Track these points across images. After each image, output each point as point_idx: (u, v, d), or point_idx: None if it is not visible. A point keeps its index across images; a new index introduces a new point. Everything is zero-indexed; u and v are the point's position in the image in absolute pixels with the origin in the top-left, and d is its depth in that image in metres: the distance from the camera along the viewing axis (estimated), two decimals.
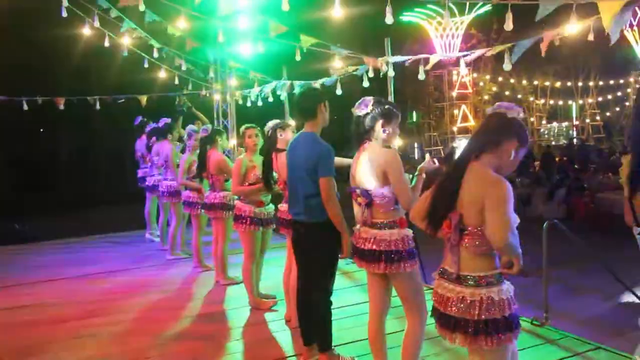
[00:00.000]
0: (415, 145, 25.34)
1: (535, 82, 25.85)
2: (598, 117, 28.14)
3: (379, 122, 3.36)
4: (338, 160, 3.97)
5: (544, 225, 4.99)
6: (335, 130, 4.20)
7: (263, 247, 5.44)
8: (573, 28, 5.21)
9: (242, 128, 5.39)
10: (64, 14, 7.69)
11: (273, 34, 7.14)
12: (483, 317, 2.33)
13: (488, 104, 21.50)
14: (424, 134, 24.89)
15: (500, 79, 24.18)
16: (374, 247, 3.28)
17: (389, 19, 5.71)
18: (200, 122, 8.61)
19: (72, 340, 4.87)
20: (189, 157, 6.75)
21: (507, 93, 24.67)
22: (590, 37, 5.41)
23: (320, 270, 3.90)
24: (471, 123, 22.04)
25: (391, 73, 7.21)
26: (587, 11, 5.19)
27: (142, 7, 7.22)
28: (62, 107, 9.67)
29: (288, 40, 7.54)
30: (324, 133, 3.98)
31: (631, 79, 25.59)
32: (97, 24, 8.09)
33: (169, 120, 8.07)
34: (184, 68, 9.79)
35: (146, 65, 9.71)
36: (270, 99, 9.77)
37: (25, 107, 9.37)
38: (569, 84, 26.42)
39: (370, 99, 3.41)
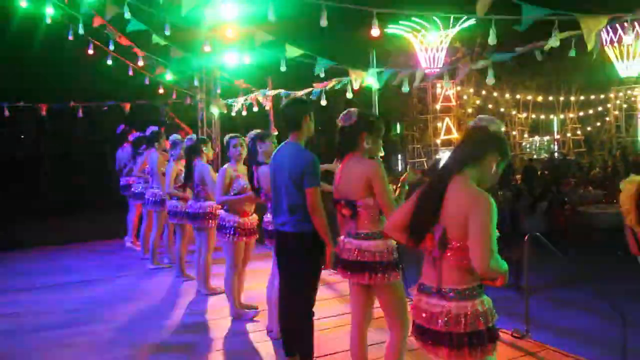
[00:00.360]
0: (399, 157, 25.43)
1: (518, 96, 26.12)
2: (579, 132, 28.50)
3: (363, 134, 3.38)
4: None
5: (526, 238, 5.03)
6: (319, 141, 4.21)
7: (246, 257, 5.43)
8: (555, 42, 5.29)
9: (226, 138, 5.38)
10: (48, 21, 7.66)
11: (258, 44, 7.16)
12: (469, 329, 2.34)
13: (471, 117, 21.67)
14: (408, 145, 24.99)
15: (483, 92, 24.40)
16: (359, 257, 3.29)
17: (374, 32, 5.76)
18: (184, 131, 8.59)
19: (51, 350, 4.80)
20: (175, 167, 6.71)
21: (490, 106, 24.88)
22: (572, 53, 5.50)
23: (304, 280, 3.89)
24: (454, 136, 22.19)
25: (376, 85, 7.26)
26: (570, 27, 5.28)
27: (127, 15, 7.21)
28: (44, 113, 9.59)
29: (274, 50, 7.56)
30: (309, 144, 3.99)
31: (611, 95, 25.98)
32: (81, 30, 8.05)
33: (156, 128, 8.04)
34: (168, 77, 9.77)
35: (131, 73, 9.67)
36: (255, 109, 9.78)
37: (7, 113, 9.28)
38: (550, 98, 26.73)
39: (354, 111, 3.43)
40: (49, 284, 7.08)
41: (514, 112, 27.02)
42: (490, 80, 6.29)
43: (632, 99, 25.41)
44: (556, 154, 23.87)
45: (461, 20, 19.76)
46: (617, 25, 5.08)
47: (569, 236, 10.85)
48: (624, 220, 1.91)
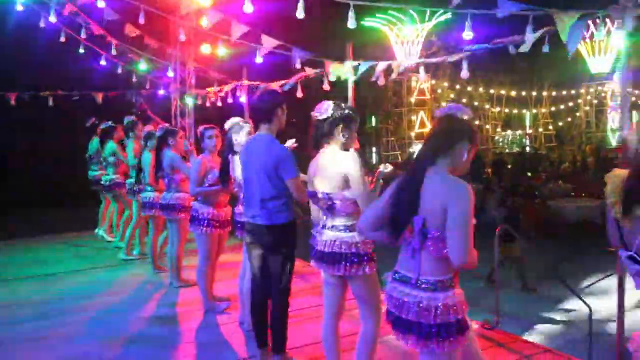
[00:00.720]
0: (373, 149, 25.53)
1: (492, 91, 26.39)
2: (550, 127, 28.93)
3: (339, 127, 3.38)
4: None
5: (496, 231, 5.10)
6: (294, 133, 4.20)
7: (219, 249, 5.41)
8: (529, 38, 5.35)
9: (201, 129, 5.34)
10: (19, 8, 7.50)
11: (234, 34, 7.11)
12: (438, 320, 2.37)
13: None
14: (382, 138, 25.11)
15: (458, 86, 24.59)
16: (335, 249, 3.30)
17: (351, 24, 5.76)
18: (155, 122, 8.51)
19: (23, 343, 4.75)
20: (152, 157, 6.62)
21: (464, 100, 25.09)
22: (545, 49, 5.58)
23: (279, 272, 3.90)
24: (429, 129, 22.35)
25: (352, 78, 7.27)
26: (544, 23, 5.35)
27: (101, 4, 7.10)
28: (13, 102, 9.41)
29: (249, 41, 7.52)
30: (284, 136, 3.99)
31: (582, 91, 26.41)
32: (53, 19, 7.90)
33: (132, 118, 7.95)
34: (142, 67, 9.65)
35: (103, 63, 9.53)
36: (230, 100, 9.72)
37: None
38: (523, 93, 27.07)
39: (330, 103, 3.43)
40: (21, 276, 6.99)
41: (487, 106, 27.31)
42: (464, 74, 6.35)
43: (602, 95, 25.86)
44: (528, 148, 24.20)
45: (437, 14, 19.86)
46: (589, 21, 5.15)
47: (539, 229, 11.04)
48: (607, 212, 1.94)
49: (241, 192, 4.51)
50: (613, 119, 23.86)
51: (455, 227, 2.33)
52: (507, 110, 27.97)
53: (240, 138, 4.66)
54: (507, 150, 25.39)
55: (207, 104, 10.29)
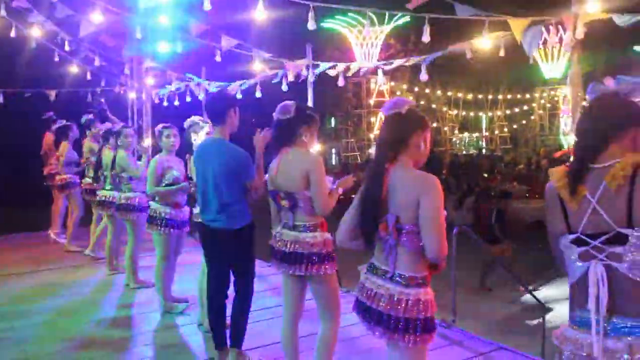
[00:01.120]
0: (333, 150, 25.64)
1: (449, 94, 26.83)
2: (506, 129, 29.59)
3: (302, 127, 3.38)
4: None
5: (454, 231, 5.18)
6: (252, 134, 4.17)
7: (177, 250, 5.34)
8: (486, 42, 5.47)
9: (159, 127, 5.27)
10: None
11: (193, 32, 7.04)
12: (407, 315, 2.39)
13: None
14: (342, 139, 25.25)
15: (416, 89, 24.92)
16: (296, 249, 3.30)
17: (311, 25, 5.77)
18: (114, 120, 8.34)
19: None
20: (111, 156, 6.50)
21: (422, 102, 25.44)
22: (502, 53, 5.70)
23: (241, 273, 3.90)
24: (379, 129, 22.58)
25: (311, 78, 7.29)
26: (501, 27, 5.47)
27: None
28: None
29: (209, 40, 7.45)
30: (242, 137, 3.97)
31: (536, 95, 27.10)
32: (3, 12, 7.65)
33: (90, 116, 7.78)
34: (97, 64, 9.44)
35: (57, 59, 9.29)
36: (188, 99, 9.61)
37: None
38: (480, 96, 27.61)
39: (292, 104, 3.42)
40: None
41: (445, 109, 27.76)
42: (423, 76, 6.45)
43: (555, 99, 26.59)
44: (484, 150, 24.69)
45: (395, 17, 20.08)
46: (542, 27, 5.30)
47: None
48: (549, 199, 2.02)
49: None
50: (565, 122, 24.54)
51: (429, 221, 2.37)
52: (464, 112, 28.48)
53: (199, 137, 4.61)
54: (464, 152, 25.84)
55: (165, 103, 10.15)
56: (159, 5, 7.55)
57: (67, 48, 8.78)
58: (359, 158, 23.90)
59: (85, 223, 8.02)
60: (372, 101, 23.40)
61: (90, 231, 7.71)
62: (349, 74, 7.11)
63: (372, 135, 23.31)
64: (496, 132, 29.51)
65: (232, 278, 3.96)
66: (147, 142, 9.58)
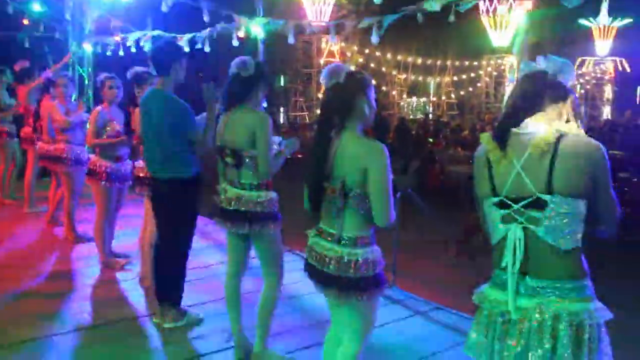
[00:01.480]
0: (281, 109, 25.46)
1: (399, 57, 26.90)
2: (453, 95, 30.03)
3: (259, 85, 3.32)
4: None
5: (398, 194, 5.25)
6: (199, 87, 4.08)
7: (118, 204, 5.23)
8: (436, 6, 5.47)
9: (101, 77, 5.08)
10: None
11: None
12: (358, 274, 2.46)
13: None
14: (291, 98, 25.07)
15: (367, 50, 24.85)
16: (241, 207, 3.27)
17: None
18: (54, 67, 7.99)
19: None
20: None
21: (372, 65, 25.45)
22: (451, 18, 5.72)
23: (179, 226, 3.86)
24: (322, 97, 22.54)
25: (261, 35, 7.16)
26: None
27: None
28: None
29: None
30: (189, 92, 3.89)
31: (483, 62, 27.51)
32: None
33: (26, 63, 7.40)
34: (35, 7, 8.97)
35: None
36: (133, 50, 9.28)
37: None
38: (429, 61, 27.81)
39: (251, 60, 3.32)
40: None
41: (394, 73, 27.85)
42: (374, 39, 6.42)
43: (502, 67, 27.07)
44: (431, 116, 25.03)
45: None
46: None
47: (439, 193, 11.51)
48: (476, 163, 2.13)
49: (141, 144, 4.37)
50: (510, 91, 25.09)
51: (377, 190, 2.42)
52: (412, 77, 28.66)
53: (143, 90, 4.48)
54: (411, 117, 26.13)
55: (108, 53, 9.78)
56: None
57: None
58: (307, 118, 23.83)
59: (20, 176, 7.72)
60: (322, 61, 23.22)
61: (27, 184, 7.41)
62: (308, 30, 7.01)
63: (320, 95, 23.23)
64: (443, 97, 29.91)
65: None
66: (89, 92, 9.27)
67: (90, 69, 9.91)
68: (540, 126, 1.95)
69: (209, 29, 7.87)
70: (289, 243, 5.48)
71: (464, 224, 7.44)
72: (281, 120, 24.30)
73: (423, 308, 4.53)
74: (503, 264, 1.97)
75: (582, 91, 26.64)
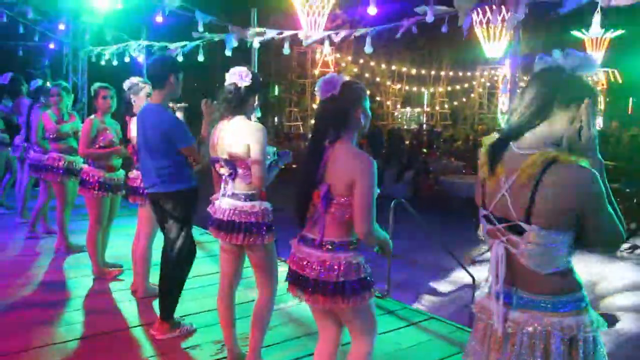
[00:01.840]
0: (276, 119, 25.46)
1: (393, 67, 26.98)
2: (446, 105, 30.12)
3: (255, 96, 3.33)
4: None
5: (392, 203, 5.26)
6: (196, 99, 4.08)
7: (111, 214, 5.20)
8: (430, 18, 5.51)
9: (95, 87, 5.07)
10: None
11: None
12: (341, 279, 2.44)
13: None
14: (285, 108, 25.08)
15: (361, 61, 24.91)
16: (235, 218, 3.26)
17: None
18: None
19: None
20: (41, 116, 6.20)
21: (367, 75, 25.51)
22: (444, 29, 5.76)
23: (175, 238, 3.85)
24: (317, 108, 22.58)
25: (256, 45, 7.17)
26: (446, 4, 5.52)
27: None
28: None
29: None
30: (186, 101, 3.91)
31: (477, 73, 27.65)
32: None
33: (11, 74, 7.36)
34: (30, 16, 8.95)
35: None
36: (127, 59, 9.29)
37: None
38: (423, 72, 27.91)
39: (248, 70, 3.33)
40: None
41: (388, 83, 27.92)
42: (368, 48, 6.45)
43: (495, 78, 27.20)
44: (424, 126, 25.09)
45: None
46: (487, 7, 5.39)
47: (432, 203, 11.52)
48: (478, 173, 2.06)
49: (135, 155, 4.38)
50: (503, 102, 25.20)
51: (361, 201, 2.40)
52: (407, 87, 28.75)
53: (139, 99, 4.49)
54: (405, 127, 26.18)
55: (102, 63, 9.78)
56: None
57: None
58: (301, 128, 23.85)
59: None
60: (316, 71, 23.27)
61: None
62: (306, 43, 7.03)
63: (315, 106, 23.26)
64: (437, 107, 29.99)
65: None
66: (82, 101, 9.25)
67: (84, 78, 9.89)
68: (534, 145, 1.84)
69: (202, 39, 7.89)
70: (283, 254, 5.47)
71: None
72: (275, 131, 24.31)
73: (417, 318, 4.52)
74: (489, 278, 1.97)
75: None
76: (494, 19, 5.56)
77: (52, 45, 10.22)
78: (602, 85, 27.06)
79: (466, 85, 28.64)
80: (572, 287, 1.88)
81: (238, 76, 3.29)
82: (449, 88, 29.19)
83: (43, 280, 5.17)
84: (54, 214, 6.29)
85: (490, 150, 1.95)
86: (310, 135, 2.71)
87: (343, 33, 7.14)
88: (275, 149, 3.47)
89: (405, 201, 5.43)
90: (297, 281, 2.58)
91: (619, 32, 18.76)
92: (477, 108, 28.41)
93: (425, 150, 16.04)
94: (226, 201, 3.32)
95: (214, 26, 7.81)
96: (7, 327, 4.10)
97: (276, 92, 25.05)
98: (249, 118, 3.35)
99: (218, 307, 3.55)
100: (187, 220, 3.88)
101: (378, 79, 26.62)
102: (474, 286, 5.19)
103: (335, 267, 2.46)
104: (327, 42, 7.58)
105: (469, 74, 27.88)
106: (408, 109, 30.20)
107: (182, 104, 4.39)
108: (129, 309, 4.52)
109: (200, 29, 7.48)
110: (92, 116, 5.02)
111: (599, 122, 27.62)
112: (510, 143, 1.90)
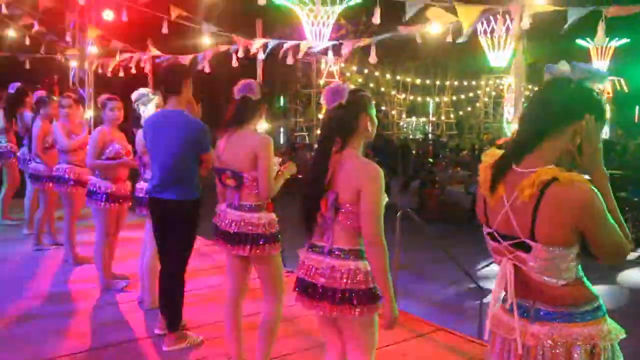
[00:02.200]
0: (281, 129, 25.52)
1: (398, 77, 27.01)
2: (452, 115, 30.12)
3: (264, 107, 3.36)
4: None
5: (398, 213, 5.25)
6: (203, 108, 4.11)
7: (118, 225, 5.21)
8: (434, 27, 5.52)
9: (103, 99, 5.08)
10: None
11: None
12: (349, 286, 2.42)
13: None
14: (290, 119, 25.14)
15: (366, 71, 24.96)
16: (241, 229, 3.26)
17: (261, 0, 5.68)
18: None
19: None
20: (42, 126, 6.23)
21: (371, 85, 25.55)
22: (449, 38, 5.77)
23: (181, 245, 3.85)
24: (323, 117, 22.62)
25: (262, 56, 7.20)
26: (450, 13, 5.53)
27: None
28: None
29: (156, 11, 7.24)
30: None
31: (482, 82, 27.66)
32: None
33: (18, 84, 7.41)
34: (36, 28, 9.02)
35: None
36: (133, 70, 9.34)
37: None
38: (427, 81, 27.94)
39: (256, 83, 3.36)
40: None
41: (393, 93, 27.95)
42: (372, 59, 6.47)
43: (500, 87, 27.20)
44: (430, 135, 25.08)
45: None
46: (490, 16, 5.41)
47: (438, 213, 11.50)
48: (478, 188, 2.05)
49: (142, 167, 4.38)
50: (508, 111, 25.17)
51: (368, 209, 2.40)
52: (411, 97, 28.76)
53: (147, 110, 4.49)
54: (411, 137, 26.19)
55: (109, 74, 9.83)
56: None
57: (4, 10, 8.37)
58: (307, 138, 23.88)
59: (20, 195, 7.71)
60: (321, 81, 23.31)
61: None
62: (300, 54, 7.06)
63: (320, 116, 23.30)
64: (442, 117, 29.98)
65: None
66: (89, 113, 9.29)
67: (91, 90, 9.94)
68: (535, 164, 1.84)
69: (210, 50, 7.92)
70: (290, 264, 5.46)
71: None
72: (281, 141, 24.35)
73: (425, 330, 4.49)
74: (502, 295, 1.96)
75: None
76: (499, 28, 5.57)
77: (58, 57, 10.29)
78: (608, 93, 27.02)
79: (471, 94, 28.64)
80: (588, 297, 1.88)
81: (248, 89, 3.32)
82: (454, 97, 29.19)
83: (51, 292, 5.18)
84: (61, 226, 6.32)
85: (493, 170, 1.95)
86: (316, 144, 2.72)
87: (347, 43, 7.16)
88: (280, 159, 3.48)
89: (412, 211, 5.42)
90: (305, 289, 2.56)
91: (624, 40, 18.76)
92: (482, 117, 28.40)
93: (431, 160, 16.04)
94: (232, 212, 3.33)
95: (219, 37, 7.84)
96: (16, 339, 4.10)
97: (281, 103, 25.12)
98: (256, 129, 3.37)
99: (225, 319, 3.54)
100: (193, 230, 3.89)
101: (383, 89, 26.65)
102: (481, 297, 5.17)
103: (344, 274, 2.44)
104: (330, 52, 7.61)
105: (473, 83, 27.89)
106: (413, 118, 30.22)
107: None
108: (136, 320, 4.52)
109: (206, 40, 7.52)
110: (100, 128, 5.04)
111: (606, 131, 27.59)
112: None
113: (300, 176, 3.51)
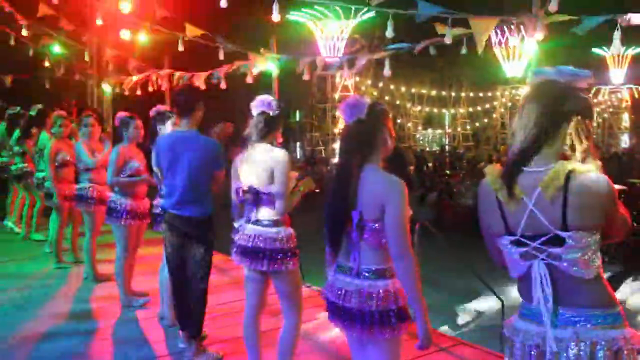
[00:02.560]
0: (297, 144, 25.62)
1: (413, 90, 27.02)
2: (468, 126, 30.02)
3: (280, 123, 3.40)
4: None
5: (416, 226, 5.22)
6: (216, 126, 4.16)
7: (137, 242, 5.24)
8: (448, 39, 5.52)
9: (123, 117, 5.12)
10: None
11: (159, 19, 6.92)
12: (380, 308, 2.41)
13: None
14: (306, 133, 25.24)
15: (380, 84, 25.02)
16: (259, 244, 3.27)
17: (275, 17, 5.73)
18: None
19: None
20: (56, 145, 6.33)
21: (387, 98, 25.59)
22: (464, 51, 5.77)
23: (199, 262, 3.88)
24: (342, 132, 22.68)
25: (276, 72, 7.25)
26: (463, 25, 5.53)
27: None
28: None
29: (172, 29, 7.34)
30: (207, 129, 3.98)
31: (498, 93, 27.56)
32: None
33: (39, 106, 7.54)
34: (56, 50, 9.20)
35: (12, 43, 9.00)
36: (151, 89, 9.45)
37: None
38: (443, 93, 27.91)
39: (272, 99, 3.39)
40: None
41: (409, 105, 27.96)
42: (387, 72, 6.49)
43: (517, 97, 27.06)
44: (447, 147, 24.99)
45: (361, 12, 20.09)
46: (505, 27, 5.41)
47: (456, 225, 11.41)
48: (483, 201, 2.08)
49: (160, 184, 4.42)
50: None
51: (394, 224, 2.38)
52: (427, 109, 28.73)
53: (165, 128, 4.54)
54: (427, 149, 26.13)
55: (126, 93, 9.96)
56: None
57: (24, 32, 8.53)
58: (323, 152, 23.93)
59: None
60: (337, 95, 23.42)
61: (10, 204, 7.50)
62: (318, 70, 7.12)
63: (336, 130, 23.35)
64: (459, 129, 29.89)
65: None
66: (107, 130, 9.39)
67: (109, 108, 10.07)
68: (549, 160, 1.92)
69: (226, 66, 7.99)
70: (308, 279, 5.45)
71: None
72: (297, 156, 24.42)
73: (446, 344, 4.44)
74: (534, 300, 1.94)
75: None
76: (513, 38, 5.56)
77: (77, 77, 10.44)
78: (627, 102, 26.75)
79: (487, 105, 28.54)
80: (610, 301, 1.90)
81: (267, 105, 3.35)
82: (470, 109, 29.10)
83: (72, 310, 5.21)
84: (81, 243, 6.37)
85: (507, 177, 1.97)
86: (337, 160, 2.71)
87: (361, 56, 7.19)
88: (297, 174, 3.49)
89: (429, 224, 5.40)
90: (336, 311, 2.54)
91: None
92: (499, 128, 28.26)
93: (448, 172, 15.97)
94: (250, 227, 3.34)
95: (234, 54, 7.91)
96: (37, 357, 4.13)
97: (297, 118, 25.23)
98: (273, 145, 3.39)
99: (244, 335, 3.53)
100: (211, 245, 3.93)
101: (398, 102, 26.66)
102: (503, 309, 5.10)
103: (374, 296, 2.42)
104: (346, 66, 7.63)
105: (489, 94, 27.80)
106: (430, 130, 30.16)
107: None
108: (157, 337, 4.52)
109: (221, 57, 7.59)
110: (119, 145, 5.09)
111: (626, 140, 27.26)
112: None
113: (317, 190, 3.52)
